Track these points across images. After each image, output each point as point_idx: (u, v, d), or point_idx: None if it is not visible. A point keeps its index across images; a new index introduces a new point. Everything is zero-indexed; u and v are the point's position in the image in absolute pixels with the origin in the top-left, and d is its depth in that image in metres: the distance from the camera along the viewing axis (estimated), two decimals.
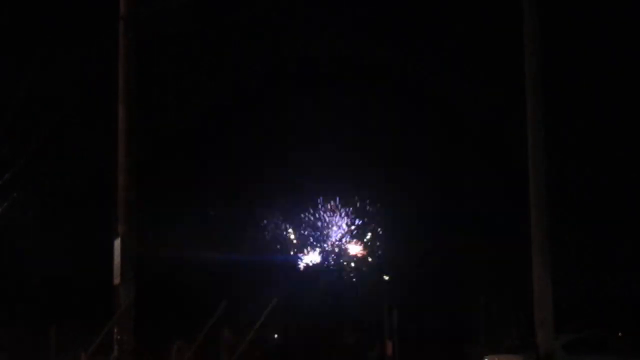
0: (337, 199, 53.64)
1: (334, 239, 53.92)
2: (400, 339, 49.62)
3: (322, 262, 53.77)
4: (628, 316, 47.02)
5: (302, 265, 53.51)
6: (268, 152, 50.47)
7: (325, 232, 53.86)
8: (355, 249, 54.25)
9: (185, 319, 42.63)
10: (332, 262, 54.09)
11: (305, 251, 53.56)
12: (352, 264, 54.40)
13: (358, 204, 53.69)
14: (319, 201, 53.46)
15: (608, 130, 48.36)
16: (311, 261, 53.59)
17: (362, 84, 50.74)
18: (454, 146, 51.53)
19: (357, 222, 53.99)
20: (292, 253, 53.39)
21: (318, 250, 53.80)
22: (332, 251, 54.17)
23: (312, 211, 53.49)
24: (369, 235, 54.34)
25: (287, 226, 53.27)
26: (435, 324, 53.60)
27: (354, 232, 54.18)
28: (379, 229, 54.16)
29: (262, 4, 44.99)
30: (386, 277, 53.07)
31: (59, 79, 42.48)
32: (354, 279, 54.16)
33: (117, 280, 16.46)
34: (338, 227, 53.80)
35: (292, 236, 53.48)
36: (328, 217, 53.66)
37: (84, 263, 45.32)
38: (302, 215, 53.30)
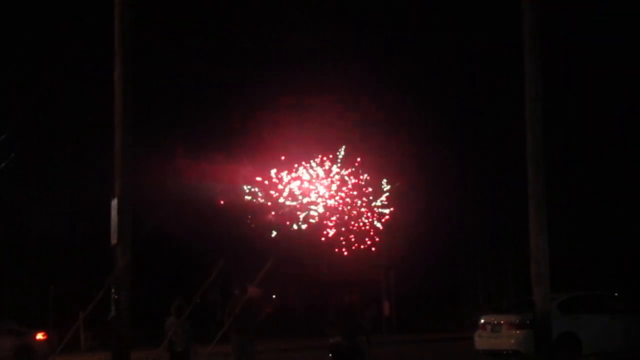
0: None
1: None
2: (397, 298, 49.95)
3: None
4: (624, 274, 47.20)
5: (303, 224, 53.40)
6: None
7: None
8: None
9: (183, 278, 42.93)
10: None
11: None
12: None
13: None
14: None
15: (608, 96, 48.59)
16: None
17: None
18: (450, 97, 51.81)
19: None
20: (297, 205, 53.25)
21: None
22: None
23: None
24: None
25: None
26: (433, 284, 53.86)
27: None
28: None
29: None
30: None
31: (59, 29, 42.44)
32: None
33: (114, 240, 16.46)
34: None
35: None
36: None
37: (82, 223, 45.47)
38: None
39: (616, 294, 28.38)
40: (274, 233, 51.97)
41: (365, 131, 52.28)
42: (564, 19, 42.80)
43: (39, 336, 35.01)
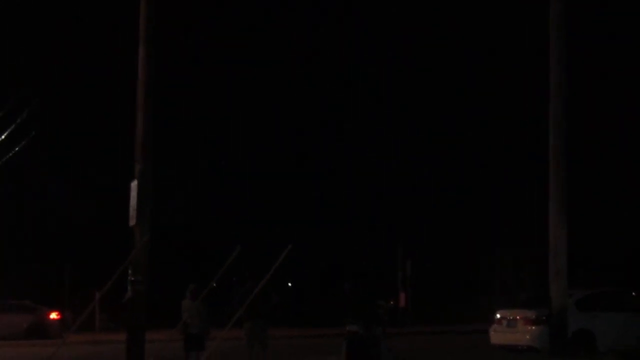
0: None
1: None
2: (413, 290, 49.83)
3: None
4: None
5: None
6: None
7: None
8: None
9: (200, 262, 42.99)
10: None
11: None
12: None
13: None
14: None
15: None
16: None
17: None
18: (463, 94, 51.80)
19: None
20: None
21: None
22: None
23: None
24: None
25: None
26: (449, 276, 53.75)
27: None
28: None
29: None
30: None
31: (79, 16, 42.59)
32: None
33: (132, 221, 16.51)
34: None
35: None
36: None
37: (101, 204, 45.57)
38: None
39: (634, 293, 28.21)
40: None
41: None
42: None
43: (53, 315, 35.31)
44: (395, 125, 52.72)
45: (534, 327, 24.44)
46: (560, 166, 17.12)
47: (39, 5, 42.90)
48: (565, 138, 17.21)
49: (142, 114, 16.89)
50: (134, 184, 16.62)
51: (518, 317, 25.21)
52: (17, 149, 32.44)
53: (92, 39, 44.12)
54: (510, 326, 25.37)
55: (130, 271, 16.20)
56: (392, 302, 47.16)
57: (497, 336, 25.93)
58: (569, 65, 17.41)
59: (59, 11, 43.37)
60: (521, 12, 43.81)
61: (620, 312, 25.54)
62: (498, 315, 26.26)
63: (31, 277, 41.58)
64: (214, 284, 15.61)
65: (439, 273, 53.06)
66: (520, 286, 50.72)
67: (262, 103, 52.59)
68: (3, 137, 29.49)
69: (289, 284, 52.63)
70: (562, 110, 17.27)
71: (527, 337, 24.64)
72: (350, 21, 53.39)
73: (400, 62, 52.95)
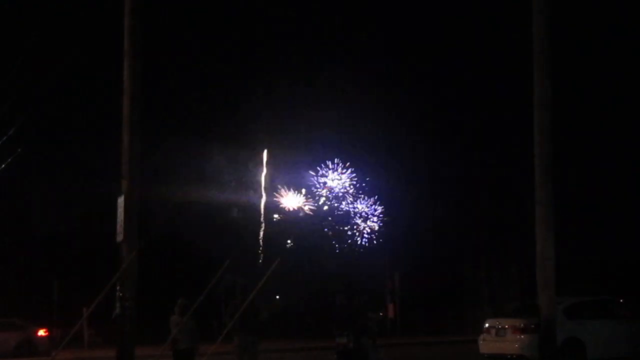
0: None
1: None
2: (402, 301, 49.85)
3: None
4: (630, 280, 47.04)
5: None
6: None
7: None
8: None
9: (188, 277, 42.90)
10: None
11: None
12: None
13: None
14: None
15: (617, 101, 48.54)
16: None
17: None
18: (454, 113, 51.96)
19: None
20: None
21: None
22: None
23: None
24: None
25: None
26: (438, 287, 53.76)
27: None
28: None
29: None
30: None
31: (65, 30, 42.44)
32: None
33: (120, 237, 16.46)
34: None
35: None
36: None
37: (88, 220, 45.44)
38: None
39: (621, 300, 28.30)
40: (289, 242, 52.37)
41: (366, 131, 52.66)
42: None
43: (41, 332, 35.26)
44: (389, 137, 52.82)
45: (523, 336, 24.45)
46: (547, 177, 17.15)
47: (23, 17, 42.80)
48: (551, 148, 17.25)
49: (128, 129, 16.87)
50: (121, 200, 16.57)
51: (507, 326, 25.21)
52: (2, 165, 32.34)
53: (80, 51, 43.96)
54: (500, 335, 25.38)
55: (118, 287, 16.15)
56: (382, 314, 47.19)
57: (486, 345, 25.92)
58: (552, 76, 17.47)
59: (44, 21, 43.27)
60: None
61: (608, 320, 25.59)
62: (487, 325, 26.26)
63: (19, 294, 41.42)
64: (202, 299, 15.56)
65: (427, 284, 53.07)
66: (509, 296, 50.76)
67: (247, 112, 52.70)
68: None
69: (277, 297, 52.54)
70: (548, 120, 17.31)
71: (517, 346, 24.64)
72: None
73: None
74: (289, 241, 52.44)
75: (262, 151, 51.47)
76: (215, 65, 49.58)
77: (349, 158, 54.48)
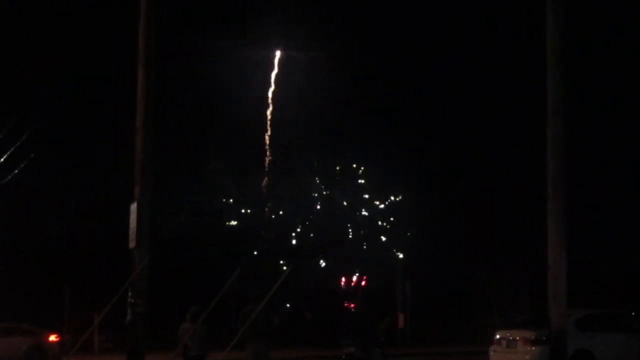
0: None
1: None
2: (412, 311, 49.71)
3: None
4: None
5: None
6: None
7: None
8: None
9: (199, 284, 42.94)
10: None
11: None
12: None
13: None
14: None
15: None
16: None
17: None
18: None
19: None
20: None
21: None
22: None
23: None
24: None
25: None
26: (448, 297, 53.63)
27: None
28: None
29: None
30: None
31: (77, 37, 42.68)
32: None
33: (132, 244, 16.49)
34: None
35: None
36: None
37: (100, 226, 45.52)
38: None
39: (633, 313, 28.23)
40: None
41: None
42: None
43: (51, 337, 35.28)
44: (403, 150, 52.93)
45: (533, 348, 24.43)
46: (559, 190, 17.05)
47: (36, 23, 43.01)
48: (563, 161, 17.12)
49: (141, 135, 16.90)
50: (134, 207, 16.60)
51: (518, 338, 25.18)
52: (16, 171, 32.47)
53: (95, 58, 44.22)
54: (510, 347, 25.34)
55: (130, 293, 16.18)
56: (387, 322, 47.14)
57: (497, 357, 25.90)
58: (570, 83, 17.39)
59: (58, 27, 43.50)
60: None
61: (620, 333, 25.54)
62: (498, 336, 26.23)
63: (30, 299, 41.50)
64: (213, 306, 15.58)
65: (438, 294, 52.96)
66: (519, 307, 50.60)
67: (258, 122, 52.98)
68: (2, 159, 29.54)
69: (287, 305, 52.55)
70: (561, 130, 17.18)
71: (527, 357, 24.61)
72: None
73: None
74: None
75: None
76: None
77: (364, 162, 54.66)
